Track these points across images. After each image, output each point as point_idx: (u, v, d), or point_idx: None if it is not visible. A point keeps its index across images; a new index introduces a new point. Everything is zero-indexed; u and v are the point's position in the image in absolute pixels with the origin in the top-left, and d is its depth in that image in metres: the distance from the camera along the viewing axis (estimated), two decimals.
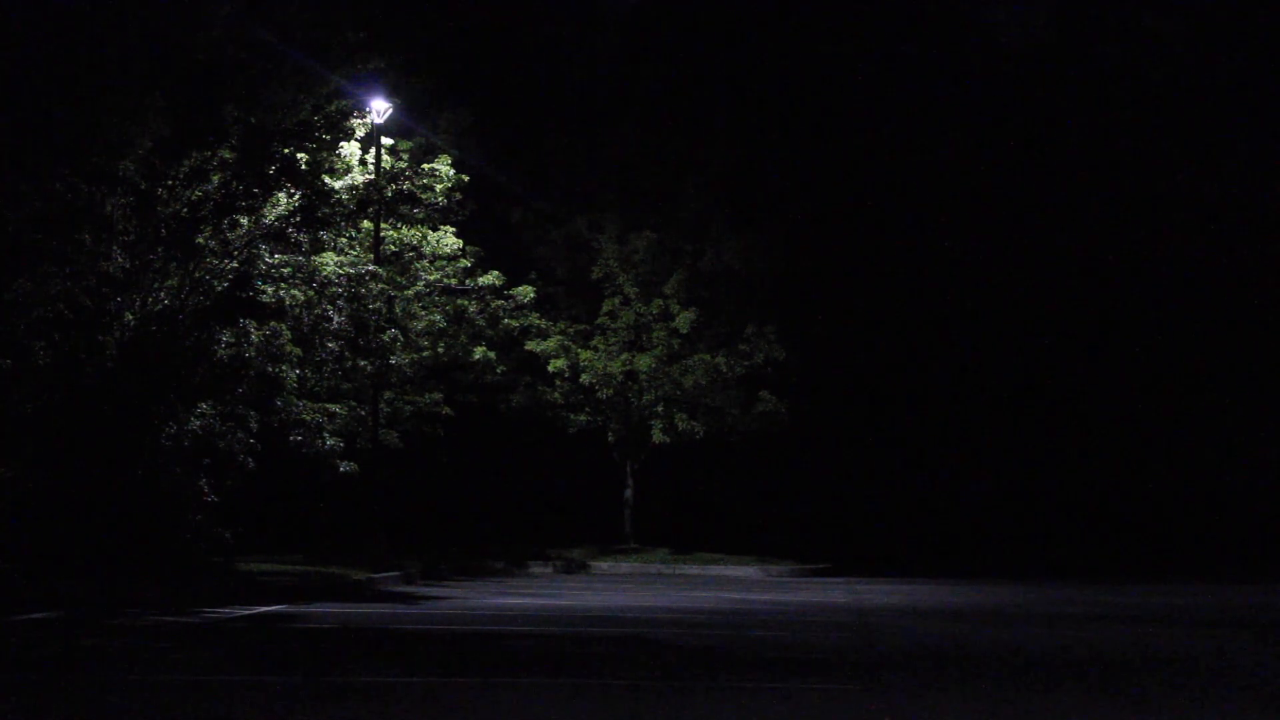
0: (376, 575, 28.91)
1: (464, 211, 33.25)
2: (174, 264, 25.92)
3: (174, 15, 25.25)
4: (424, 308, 34.25)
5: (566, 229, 39.94)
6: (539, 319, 37.90)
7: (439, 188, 31.45)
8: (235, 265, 26.45)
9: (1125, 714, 12.86)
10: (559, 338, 38.54)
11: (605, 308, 39.05)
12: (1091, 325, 45.67)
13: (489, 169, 37.22)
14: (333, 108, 27.03)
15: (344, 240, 30.07)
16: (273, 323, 26.66)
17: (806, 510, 44.40)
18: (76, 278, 24.94)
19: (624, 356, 38.58)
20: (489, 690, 13.75)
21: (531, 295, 36.45)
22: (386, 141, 32.45)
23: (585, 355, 38.49)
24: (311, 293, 27.69)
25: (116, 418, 25.41)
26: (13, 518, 24.82)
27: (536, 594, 27.11)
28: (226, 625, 19.77)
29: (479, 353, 36.00)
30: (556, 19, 45.69)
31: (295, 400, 28.18)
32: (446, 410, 35.16)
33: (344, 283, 27.98)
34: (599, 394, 38.62)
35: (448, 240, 34.49)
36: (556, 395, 39.00)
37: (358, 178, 29.16)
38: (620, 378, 38.44)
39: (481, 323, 35.77)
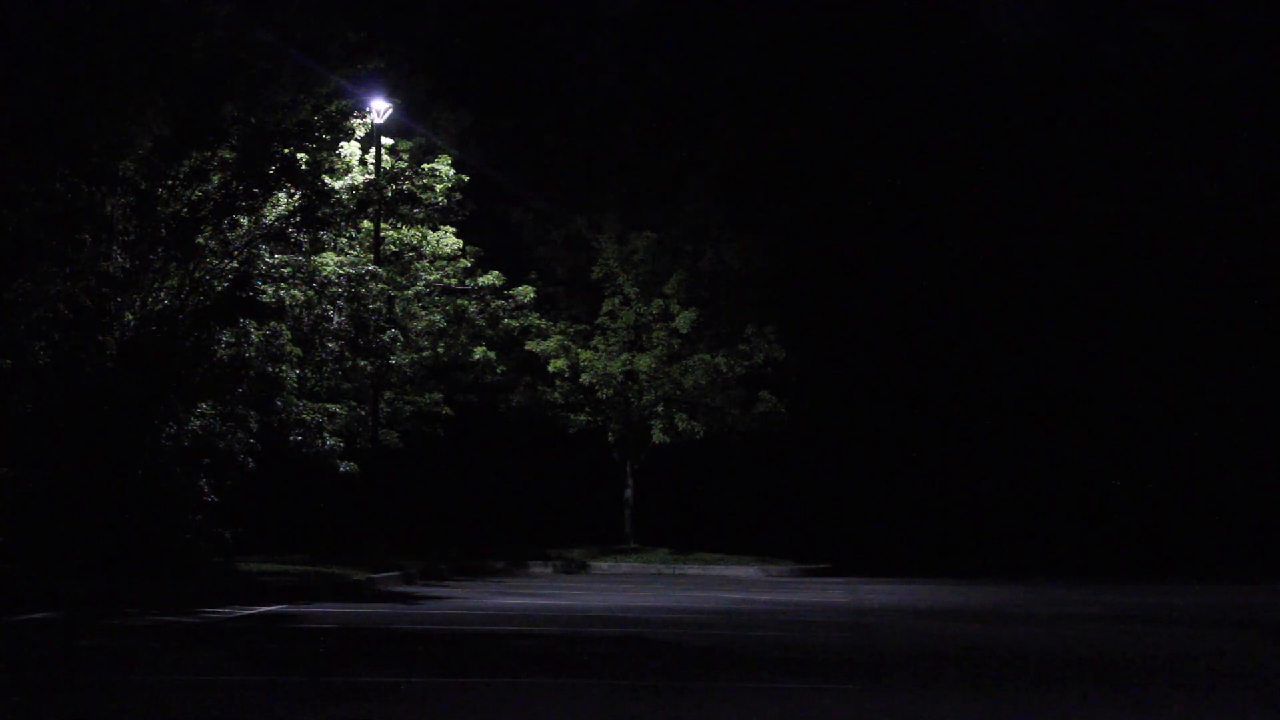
0: (377, 575, 28.91)
1: (464, 211, 33.26)
2: (174, 264, 25.92)
3: (174, 15, 25.27)
4: (424, 308, 34.27)
5: (566, 229, 39.95)
6: (539, 319, 37.91)
7: (439, 188, 31.46)
8: (235, 265, 26.46)
9: (1126, 714, 12.86)
10: (559, 338, 38.55)
11: (605, 308, 39.06)
12: (1091, 325, 45.67)
13: (489, 169, 37.24)
14: (333, 108, 27.03)
15: (344, 240, 30.08)
16: (273, 323, 26.67)
17: (806, 510, 44.40)
18: (76, 278, 24.95)
19: (624, 356, 38.59)
20: (489, 690, 13.75)
21: (531, 295, 36.46)
22: (386, 141, 32.46)
23: (585, 355, 38.50)
24: (311, 293, 27.70)
25: (116, 418, 25.41)
26: (13, 518, 24.82)
27: (536, 594, 27.10)
28: (226, 625, 19.76)
29: (479, 353, 36.01)
30: (556, 19, 45.71)
31: (295, 400, 28.18)
32: (446, 410, 35.17)
33: (344, 283, 27.98)
34: (599, 394, 38.63)
35: (448, 240, 34.51)
36: (556, 395, 39.00)
37: (358, 178, 29.17)
38: (620, 378, 38.45)
39: (481, 323, 35.78)
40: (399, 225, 32.84)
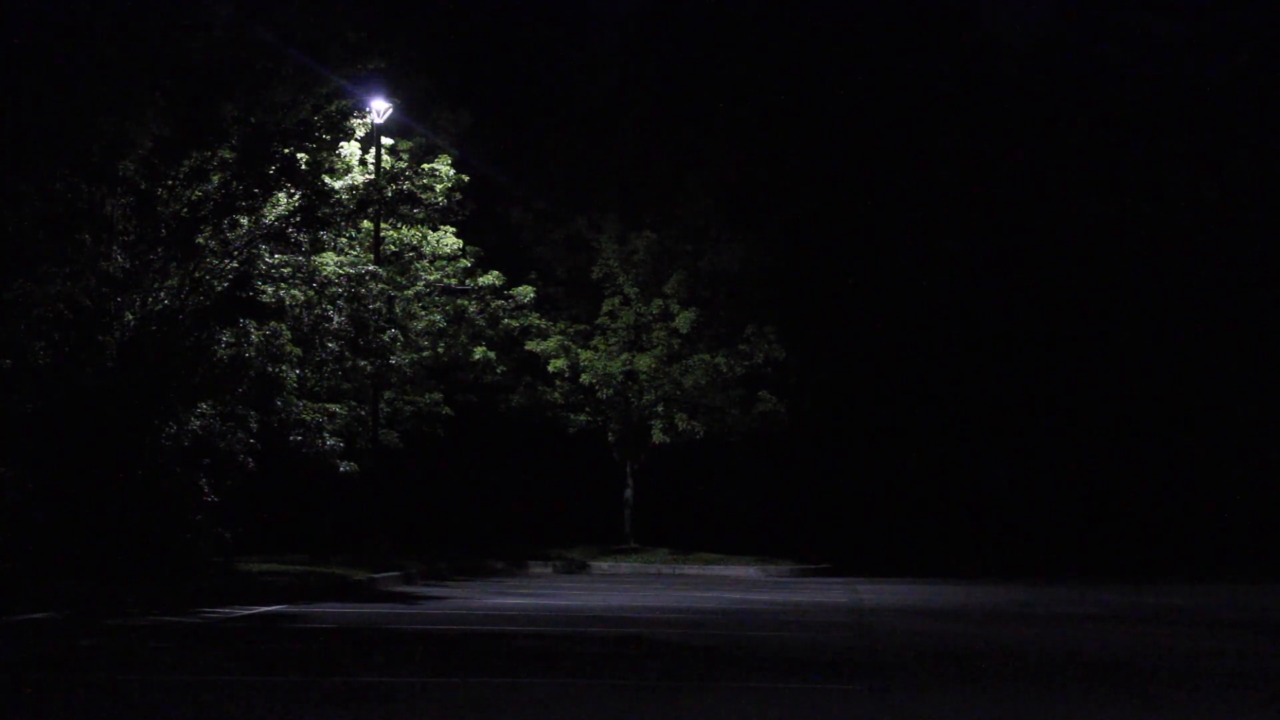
0: (377, 575, 28.91)
1: (464, 211, 33.24)
2: (174, 264, 25.92)
3: (174, 15, 25.26)
4: (424, 308, 34.27)
5: (566, 229, 39.94)
6: (539, 319, 37.91)
7: (439, 188, 31.45)
8: (235, 265, 26.45)
9: (1126, 714, 12.86)
10: (559, 338, 38.54)
11: (605, 308, 39.06)
12: (1092, 325, 45.66)
13: (489, 169, 37.23)
14: (333, 108, 27.03)
15: (344, 240, 30.08)
16: (273, 323, 26.66)
17: (806, 510, 44.39)
18: (76, 278, 24.95)
19: (624, 356, 38.59)
20: (489, 690, 13.75)
21: (531, 295, 36.46)
22: (386, 141, 32.46)
23: (585, 355, 38.50)
24: (311, 293, 27.70)
25: (116, 418, 25.41)
26: (13, 518, 24.82)
27: (536, 594, 27.11)
28: (226, 625, 19.76)
29: (479, 353, 36.01)
30: (556, 19, 45.70)
31: (295, 400, 28.18)
32: (446, 410, 35.17)
33: (344, 283, 27.98)
34: (599, 394, 38.63)
35: (448, 240, 34.51)
36: (556, 395, 39.00)
37: (358, 178, 29.17)
38: (620, 378, 38.45)
39: (481, 323, 35.78)
40: (399, 225, 32.83)
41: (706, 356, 38.40)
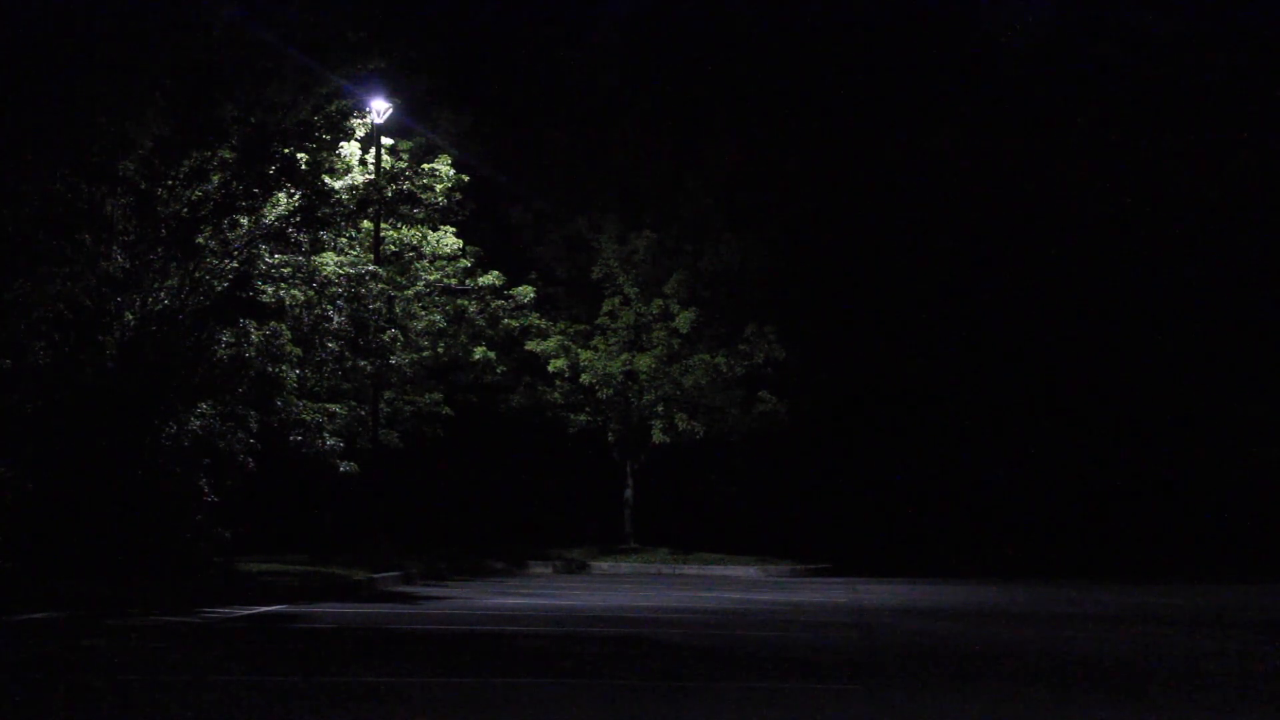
0: (377, 575, 28.91)
1: (464, 211, 33.23)
2: (174, 264, 25.92)
3: (174, 15, 25.26)
4: (424, 308, 34.26)
5: (566, 229, 39.94)
6: (539, 319, 37.91)
7: (439, 188, 31.44)
8: (235, 265, 26.45)
9: (1126, 714, 12.86)
10: (559, 338, 38.54)
11: (605, 308, 39.05)
12: (1092, 325, 45.64)
13: (489, 169, 37.22)
14: (333, 108, 27.03)
15: (344, 240, 30.08)
16: (273, 323, 26.66)
17: (806, 510, 44.38)
18: (76, 278, 24.95)
19: (624, 356, 38.58)
20: (489, 690, 13.75)
21: (531, 295, 36.45)
22: (386, 141, 32.46)
23: (585, 355, 38.49)
24: (311, 293, 27.70)
25: (116, 418, 25.41)
26: (13, 518, 24.82)
27: (536, 594, 27.11)
28: (227, 625, 19.76)
29: (479, 353, 36.00)
30: (556, 19, 45.68)
31: (295, 400, 28.18)
32: (446, 410, 35.16)
33: (344, 283, 27.98)
34: (599, 394, 38.62)
35: (448, 240, 34.50)
36: (556, 395, 38.99)
37: (358, 178, 29.16)
38: (620, 378, 38.44)
39: (481, 323, 35.78)
40: (399, 225, 32.83)
41: (706, 356, 38.39)
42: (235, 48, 25.64)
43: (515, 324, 36.93)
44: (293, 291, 27.41)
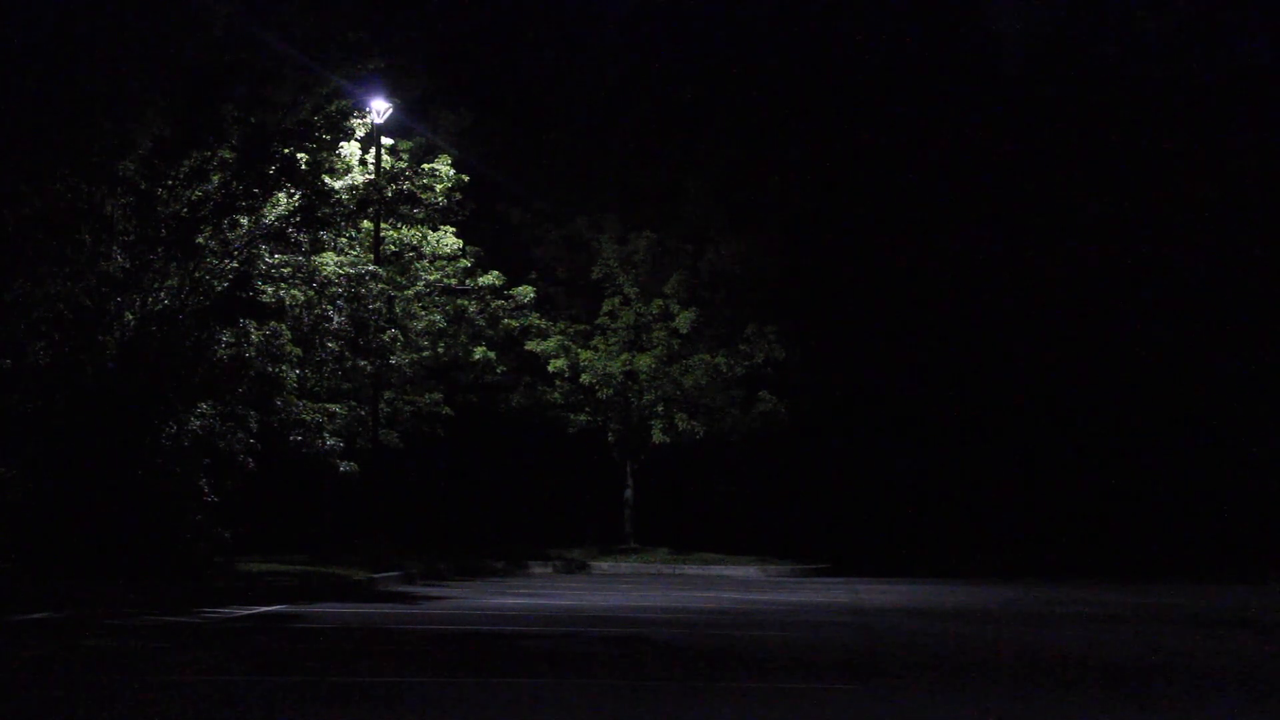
0: (377, 575, 28.91)
1: (464, 211, 33.24)
2: (174, 264, 25.92)
3: (174, 15, 25.26)
4: (424, 308, 34.26)
5: (566, 229, 39.95)
6: (539, 319, 37.91)
7: (439, 188, 31.45)
8: (235, 265, 26.45)
9: (1126, 714, 12.85)
10: (559, 338, 38.54)
11: (605, 308, 39.05)
12: (1091, 325, 45.65)
13: (489, 169, 37.22)
14: (333, 108, 27.03)
15: (344, 240, 30.08)
16: (273, 323, 26.66)
17: (806, 510, 44.39)
18: (76, 278, 24.95)
19: (624, 356, 38.58)
20: (489, 690, 13.75)
21: (531, 295, 36.45)
22: (386, 141, 32.46)
23: (585, 355, 38.49)
24: (311, 293, 27.69)
25: (116, 418, 25.41)
26: (13, 518, 24.83)
27: (536, 594, 27.11)
28: (226, 625, 19.76)
29: (479, 353, 36.00)
30: (556, 19, 45.70)
31: (295, 400, 28.18)
32: (446, 410, 35.15)
33: (344, 283, 27.98)
34: (599, 394, 38.62)
35: (448, 240, 34.50)
36: (556, 395, 39.00)
37: (358, 178, 29.16)
38: (620, 378, 38.44)
39: (481, 323, 35.77)
40: (399, 225, 32.83)
41: (706, 356, 38.40)
42: (235, 48, 25.66)
43: (515, 324, 36.92)
44: (293, 291, 27.41)
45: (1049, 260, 45.52)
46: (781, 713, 12.53)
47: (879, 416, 45.77)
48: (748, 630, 20.00)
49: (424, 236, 34.14)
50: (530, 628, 20.03)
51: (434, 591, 27.55)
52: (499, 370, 36.91)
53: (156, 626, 19.33)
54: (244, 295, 26.12)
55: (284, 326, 26.95)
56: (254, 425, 27.52)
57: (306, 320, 27.50)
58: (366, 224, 31.02)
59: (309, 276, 27.66)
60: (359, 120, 29.66)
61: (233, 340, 26.31)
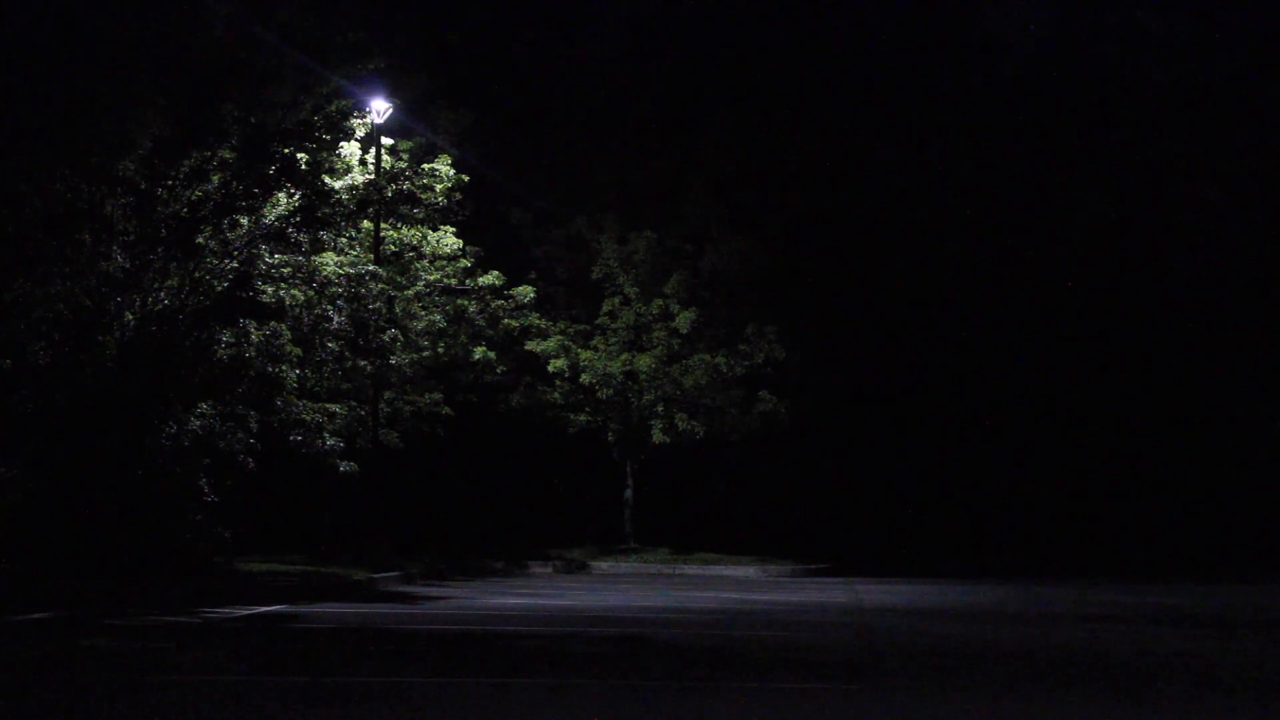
0: (377, 575, 28.91)
1: (464, 211, 33.25)
2: (174, 264, 25.92)
3: (174, 14, 25.26)
4: (424, 308, 34.26)
5: (566, 229, 39.95)
6: (539, 319, 37.90)
7: (439, 188, 31.45)
8: (235, 265, 26.45)
9: (1127, 714, 12.86)
10: (559, 338, 38.53)
11: (605, 308, 39.05)
12: (1091, 325, 45.66)
13: (489, 169, 37.22)
14: (333, 108, 27.03)
15: (344, 240, 30.08)
16: (273, 323, 26.66)
17: (806, 510, 44.38)
18: (76, 278, 24.96)
19: (624, 356, 38.58)
20: (489, 690, 13.75)
21: (531, 295, 36.45)
22: (386, 141, 32.46)
23: (585, 355, 38.48)
24: (311, 293, 27.70)
25: (116, 418, 25.41)
26: (13, 518, 24.83)
27: (536, 594, 27.11)
28: (226, 625, 19.76)
29: (479, 353, 36.00)
30: (556, 19, 45.67)
31: (295, 400, 28.18)
32: (446, 410, 35.16)
33: (344, 283, 27.98)
34: (599, 394, 38.61)
35: (448, 240, 34.50)
36: (556, 395, 38.99)
37: (358, 178, 29.16)
38: (620, 378, 38.43)
39: (481, 323, 35.77)
40: (399, 225, 32.83)
41: (706, 356, 38.40)
42: (235, 48, 25.66)
43: (515, 324, 36.92)
44: (293, 291, 27.41)
45: (1049, 260, 45.53)
46: (781, 713, 12.53)
47: (879, 416, 45.76)
48: (748, 630, 20.00)
49: (424, 236, 34.14)
50: (530, 628, 20.03)
51: (434, 591, 27.55)
52: (499, 370, 36.91)
53: (156, 626, 19.33)
54: (244, 295, 26.12)
55: (284, 326, 26.95)
56: (254, 425, 27.52)
57: (306, 320, 27.50)
58: (366, 224, 31.03)
59: (309, 276, 27.66)
60: (359, 120, 29.67)
61: (233, 340, 26.31)
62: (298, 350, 27.40)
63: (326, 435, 28.68)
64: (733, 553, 38.14)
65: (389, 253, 33.20)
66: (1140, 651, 18.07)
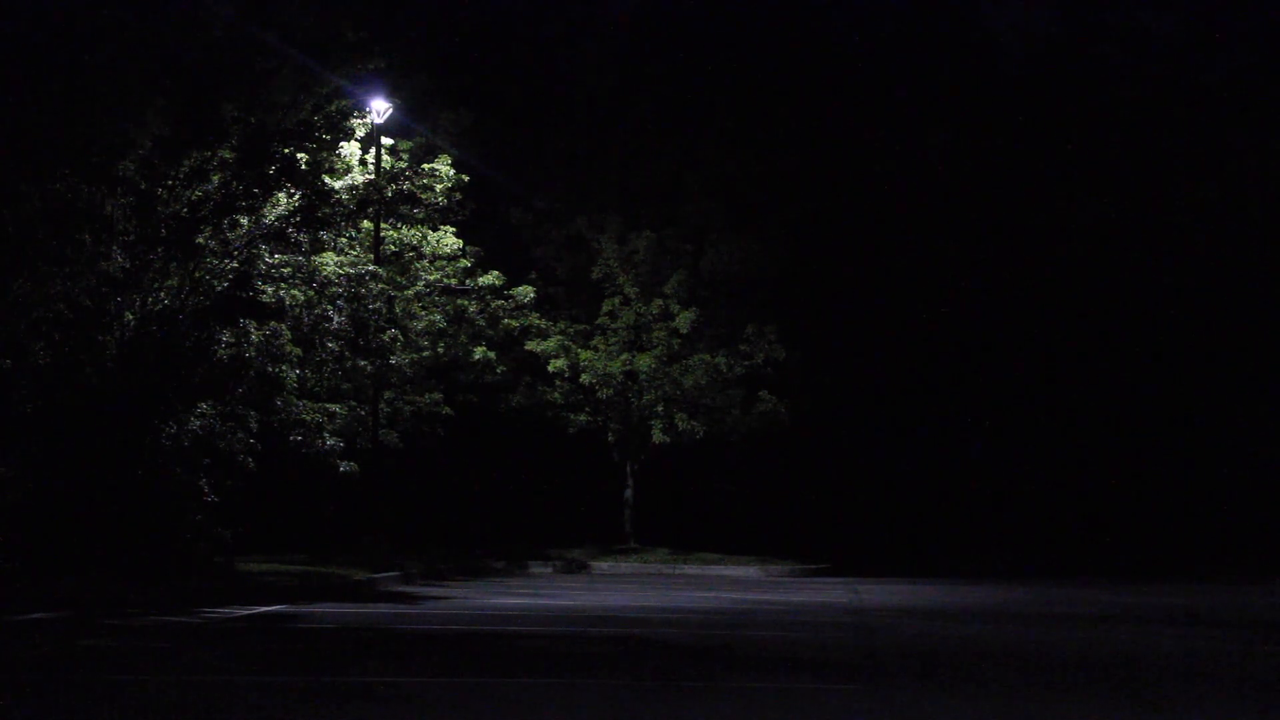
0: (377, 575, 28.91)
1: (464, 211, 33.24)
2: (174, 264, 25.92)
3: (174, 15, 25.26)
4: (424, 308, 34.26)
5: (566, 229, 39.94)
6: (539, 319, 37.89)
7: (439, 188, 31.43)
8: (235, 265, 26.44)
9: (1127, 714, 12.86)
10: (559, 338, 38.53)
11: (605, 308, 39.04)
12: (1091, 325, 45.65)
13: (489, 169, 37.21)
14: (333, 108, 27.03)
15: (344, 240, 30.07)
16: (273, 323, 26.66)
17: (806, 510, 44.37)
18: (76, 278, 24.94)
19: (624, 356, 38.57)
20: (489, 690, 13.75)
21: (531, 295, 36.45)
22: (386, 141, 32.45)
23: (585, 355, 38.48)
24: (311, 293, 27.69)
25: (116, 418, 25.41)
26: (13, 518, 24.82)
27: (536, 594, 27.11)
28: (226, 625, 19.76)
29: (479, 353, 35.99)
30: (556, 19, 45.68)
31: (295, 400, 28.18)
32: (446, 410, 35.15)
33: (344, 283, 27.97)
34: (599, 394, 38.61)
35: (448, 240, 34.50)
36: (556, 395, 38.99)
37: (358, 178, 29.15)
38: (620, 378, 38.43)
39: (481, 323, 35.77)
40: (399, 225, 32.83)
41: (706, 356, 38.39)
42: (235, 48, 25.64)
43: (515, 324, 36.92)
44: (293, 291, 27.40)
45: (1049, 260, 45.52)
46: (781, 713, 12.53)
47: (879, 417, 45.76)
48: (748, 630, 20.00)
49: (424, 236, 34.14)
50: (530, 628, 20.03)
51: (434, 591, 27.55)
52: (499, 370, 36.90)
53: (156, 626, 19.33)
54: (244, 295, 26.11)
55: (284, 326, 26.94)
56: (254, 425, 27.52)
57: (306, 320, 27.49)
58: (366, 224, 31.02)
59: (309, 276, 27.66)
60: (359, 120, 29.66)
61: (233, 340, 26.31)
62: (298, 350, 27.39)
63: (326, 435, 28.68)
64: (733, 553, 38.13)
65: (389, 253, 33.19)
66: (1141, 651, 18.07)
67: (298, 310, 27.35)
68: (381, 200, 29.08)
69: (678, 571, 36.29)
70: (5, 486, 24.85)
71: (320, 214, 26.84)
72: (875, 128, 45.72)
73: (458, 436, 36.68)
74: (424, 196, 30.37)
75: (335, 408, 30.11)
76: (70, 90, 24.41)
